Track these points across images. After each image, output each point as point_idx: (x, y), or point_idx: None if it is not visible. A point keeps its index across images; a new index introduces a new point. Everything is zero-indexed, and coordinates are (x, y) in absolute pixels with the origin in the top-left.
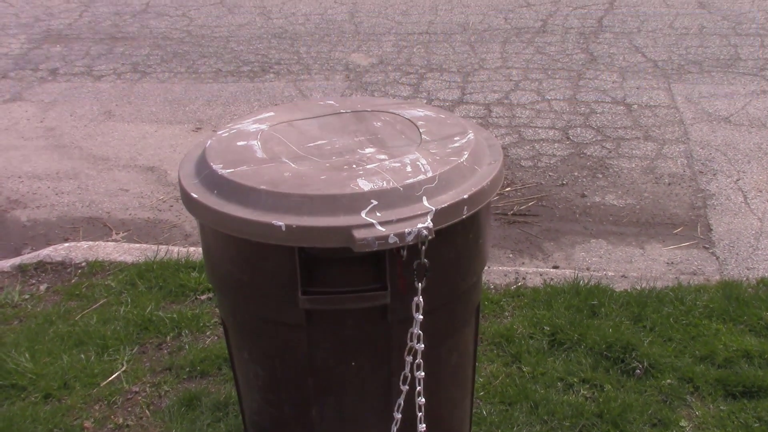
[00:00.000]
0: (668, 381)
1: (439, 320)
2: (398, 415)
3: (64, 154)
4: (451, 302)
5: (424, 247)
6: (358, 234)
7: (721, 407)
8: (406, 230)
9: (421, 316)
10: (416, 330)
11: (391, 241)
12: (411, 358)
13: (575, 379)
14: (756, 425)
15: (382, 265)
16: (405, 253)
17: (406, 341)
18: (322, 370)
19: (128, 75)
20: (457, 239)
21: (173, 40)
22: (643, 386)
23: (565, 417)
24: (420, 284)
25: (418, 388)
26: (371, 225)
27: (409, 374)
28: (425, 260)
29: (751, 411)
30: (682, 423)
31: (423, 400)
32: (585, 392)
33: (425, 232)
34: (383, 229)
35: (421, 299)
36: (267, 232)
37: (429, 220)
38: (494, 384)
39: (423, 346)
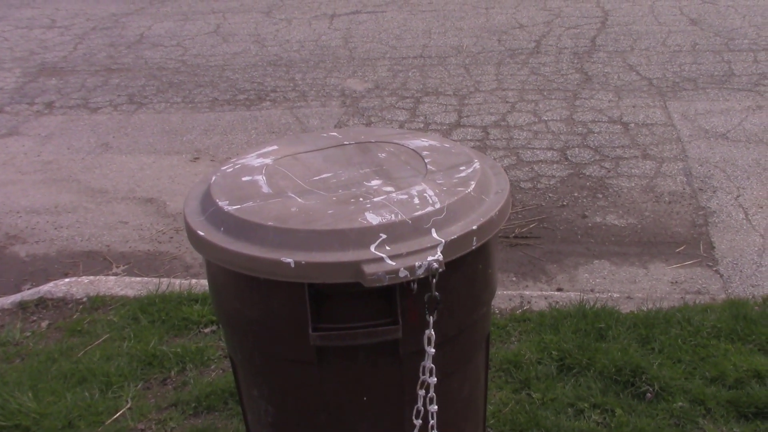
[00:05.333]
0: (679, 404)
1: (451, 352)
2: None
3: (62, 188)
4: (463, 333)
5: (434, 280)
6: (368, 269)
7: (734, 429)
8: (416, 264)
9: (434, 350)
10: (428, 363)
11: (401, 275)
12: (423, 391)
13: (586, 405)
14: None
15: (393, 299)
16: (415, 286)
17: (418, 374)
18: (334, 405)
19: (124, 106)
20: (467, 270)
21: (168, 70)
22: (654, 410)
23: None
24: (431, 317)
25: (432, 422)
26: (381, 259)
27: (422, 408)
28: (436, 293)
29: None
30: None
31: None
32: (596, 417)
33: (435, 265)
34: (393, 263)
35: (433, 332)
36: (276, 269)
37: (439, 253)
38: (504, 411)
39: (435, 379)
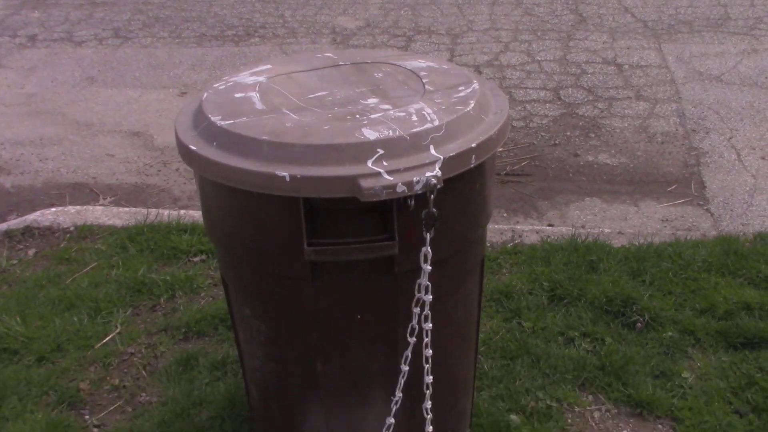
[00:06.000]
0: (669, 334)
1: (446, 272)
2: (405, 368)
3: (47, 120)
4: (458, 254)
5: (432, 196)
6: (365, 183)
7: (723, 358)
8: (414, 179)
9: (430, 267)
10: (424, 281)
11: (399, 190)
12: (419, 309)
13: (576, 333)
14: (758, 375)
15: (389, 216)
16: (412, 203)
17: (413, 293)
18: (327, 324)
19: (110, 40)
20: (465, 189)
21: (154, 5)
22: (644, 339)
23: (566, 370)
24: (428, 234)
25: (426, 339)
26: (378, 174)
27: (417, 326)
28: (434, 209)
29: (752, 362)
30: (685, 374)
31: (431, 352)
32: (586, 346)
33: (434, 180)
34: (390, 178)
35: (430, 250)
36: (270, 183)
37: (437, 169)
38: (495, 339)
39: (431, 297)
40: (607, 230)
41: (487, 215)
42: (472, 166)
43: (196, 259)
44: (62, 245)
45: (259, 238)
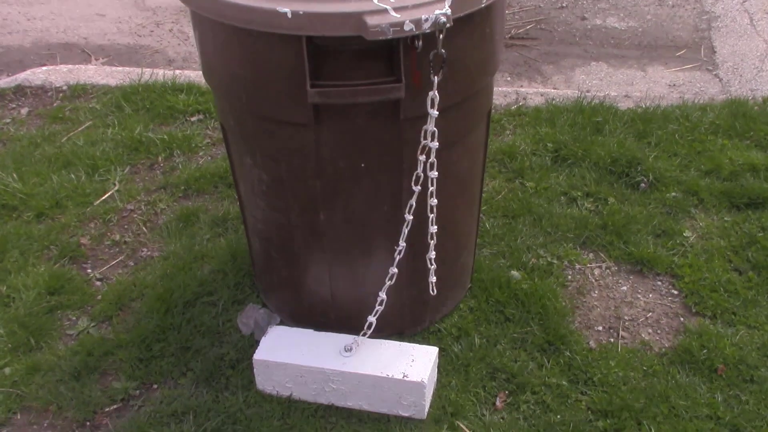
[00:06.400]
0: (673, 194)
1: (452, 120)
2: (409, 217)
3: None
4: (465, 102)
5: (441, 36)
6: (371, 20)
7: (725, 218)
8: (423, 17)
9: (437, 112)
10: (431, 127)
11: (406, 28)
12: (424, 157)
13: (579, 193)
14: (760, 234)
15: (396, 57)
16: (420, 44)
17: (418, 140)
18: (330, 172)
19: None
20: (474, 32)
21: None
22: (647, 199)
23: (568, 229)
24: (436, 78)
25: (431, 188)
26: (384, 11)
27: (422, 174)
28: (442, 50)
29: (755, 221)
30: (686, 233)
31: (435, 201)
32: (589, 205)
33: (443, 18)
34: (398, 15)
35: (437, 94)
36: (271, 19)
37: (447, 7)
38: (497, 199)
39: (437, 144)
40: (613, 93)
41: (495, 63)
42: (483, 5)
43: (193, 118)
44: (55, 104)
45: (260, 81)
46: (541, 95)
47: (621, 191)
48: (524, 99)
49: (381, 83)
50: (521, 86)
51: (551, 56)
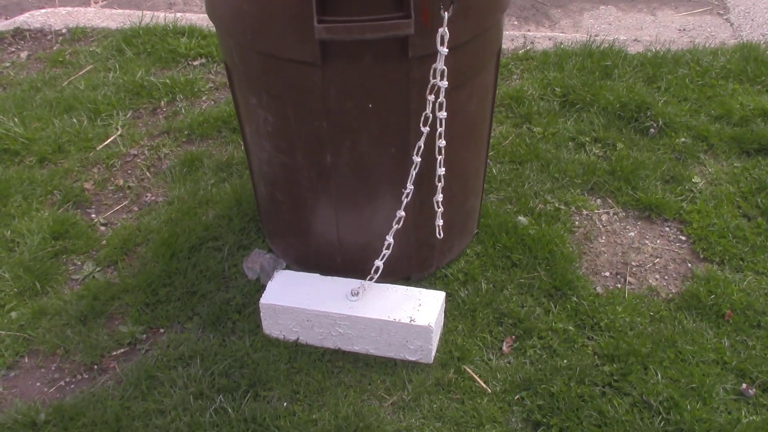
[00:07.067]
0: (682, 139)
1: (461, 59)
2: (417, 159)
3: None
4: (474, 40)
5: None
6: None
7: (735, 164)
8: None
9: (446, 50)
10: (440, 65)
11: None
12: (433, 97)
13: (587, 139)
14: None
15: None
16: None
17: (427, 79)
18: (337, 112)
19: None
20: None
21: None
22: (656, 145)
23: (576, 175)
24: (446, 14)
25: (440, 129)
26: None
27: (431, 115)
28: None
29: (765, 167)
30: (695, 179)
31: (444, 142)
32: (597, 151)
33: None
34: None
35: (447, 30)
36: None
37: None
38: (504, 144)
39: (446, 83)
40: (622, 38)
41: (504, 2)
42: None
43: (195, 62)
44: (55, 48)
45: (266, 16)
46: (549, 39)
47: (630, 136)
48: (532, 43)
49: (389, 19)
50: (528, 30)
51: (559, 0)
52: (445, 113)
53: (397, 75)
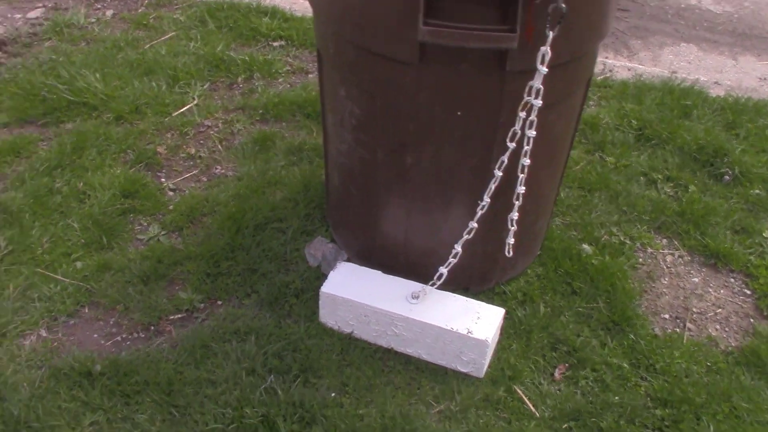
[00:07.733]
0: (756, 191)
1: (556, 80)
2: (499, 173)
3: None
4: (571, 63)
5: None
6: None
7: None
8: None
9: (546, 69)
10: (537, 84)
11: None
12: (524, 114)
13: (659, 176)
14: None
15: (513, 7)
16: None
17: (519, 95)
18: (425, 115)
19: None
20: None
21: None
22: (729, 193)
23: (644, 211)
24: (551, 33)
25: (526, 147)
26: None
27: (519, 131)
28: (563, 5)
29: None
30: (766, 233)
31: (528, 161)
32: (668, 190)
33: None
34: None
35: (549, 50)
36: None
37: None
38: (575, 169)
39: (541, 102)
40: (702, 78)
41: (606, 28)
42: None
43: (275, 43)
44: (140, 10)
45: (370, 11)
46: (629, 69)
47: (703, 180)
48: (611, 71)
49: (494, 30)
50: (606, 57)
51: (640, 31)
52: (535, 132)
53: (491, 86)
